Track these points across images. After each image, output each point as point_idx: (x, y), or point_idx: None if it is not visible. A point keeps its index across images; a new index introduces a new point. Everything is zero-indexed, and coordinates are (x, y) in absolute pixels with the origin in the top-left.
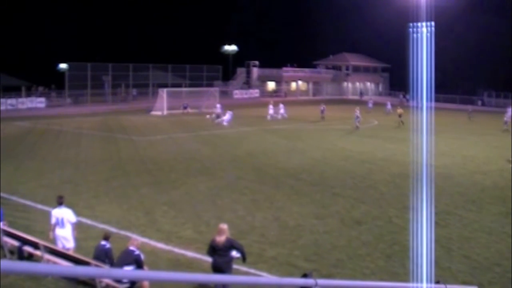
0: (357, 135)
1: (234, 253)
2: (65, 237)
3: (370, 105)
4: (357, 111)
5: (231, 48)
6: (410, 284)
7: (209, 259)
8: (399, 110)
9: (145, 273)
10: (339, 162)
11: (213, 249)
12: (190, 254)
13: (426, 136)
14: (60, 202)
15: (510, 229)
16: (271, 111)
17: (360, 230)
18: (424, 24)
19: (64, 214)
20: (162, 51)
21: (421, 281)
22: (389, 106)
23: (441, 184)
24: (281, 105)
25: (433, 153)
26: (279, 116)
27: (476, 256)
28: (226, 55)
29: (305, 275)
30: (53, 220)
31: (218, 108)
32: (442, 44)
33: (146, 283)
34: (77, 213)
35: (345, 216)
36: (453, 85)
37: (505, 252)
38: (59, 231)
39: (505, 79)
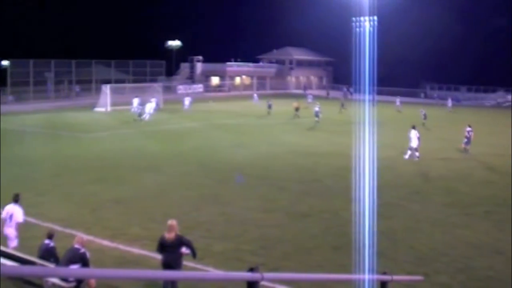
0: (302, 128)
1: (184, 250)
2: (9, 236)
3: (310, 99)
4: (317, 107)
5: (174, 43)
6: (356, 276)
7: (156, 255)
8: (295, 104)
9: (91, 271)
10: (284, 156)
11: (162, 246)
12: (136, 251)
13: (370, 129)
14: (15, 200)
15: (455, 219)
16: (153, 105)
17: (307, 223)
18: (367, 18)
19: (14, 211)
20: (105, 47)
21: (366, 272)
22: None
23: (386, 176)
24: (188, 98)
25: (377, 145)
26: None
27: (422, 247)
28: (170, 50)
29: (251, 269)
30: (3, 215)
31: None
32: (385, 38)
33: (92, 281)
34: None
35: (291, 209)
36: (396, 78)
37: (450, 242)
38: (6, 229)
39: (448, 72)
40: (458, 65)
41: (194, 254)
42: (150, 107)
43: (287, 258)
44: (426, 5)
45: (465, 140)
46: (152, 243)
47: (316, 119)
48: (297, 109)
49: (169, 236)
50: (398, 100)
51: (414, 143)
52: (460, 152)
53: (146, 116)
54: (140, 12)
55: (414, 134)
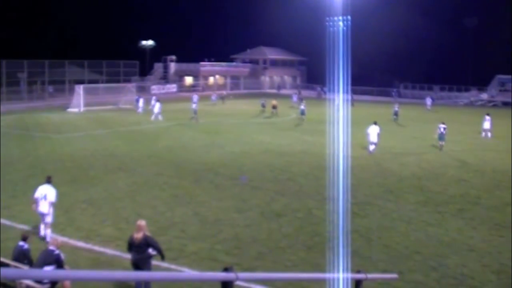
0: (276, 128)
1: (151, 250)
2: (44, 212)
3: (295, 98)
4: (303, 105)
5: (148, 43)
6: (331, 274)
7: (129, 256)
8: (273, 102)
9: (65, 273)
10: (258, 156)
11: (131, 246)
12: (110, 252)
13: (344, 128)
14: (48, 181)
15: (428, 217)
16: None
17: (281, 223)
18: (340, 18)
19: (47, 192)
20: (78, 47)
21: (341, 271)
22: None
23: (360, 175)
24: (195, 96)
25: (351, 144)
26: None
27: (396, 245)
28: (143, 50)
29: (226, 269)
30: (36, 194)
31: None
32: (358, 38)
33: (67, 283)
34: None
35: (265, 209)
36: (370, 77)
37: (424, 240)
38: (40, 207)
39: (421, 71)
40: (431, 64)
41: (162, 256)
42: (158, 106)
43: (261, 257)
44: (399, 5)
45: (438, 136)
46: (126, 243)
47: (302, 117)
48: (274, 106)
49: (137, 236)
50: (337, 98)
51: (373, 138)
52: (433, 151)
53: (158, 116)
54: (113, 11)
55: (372, 130)
